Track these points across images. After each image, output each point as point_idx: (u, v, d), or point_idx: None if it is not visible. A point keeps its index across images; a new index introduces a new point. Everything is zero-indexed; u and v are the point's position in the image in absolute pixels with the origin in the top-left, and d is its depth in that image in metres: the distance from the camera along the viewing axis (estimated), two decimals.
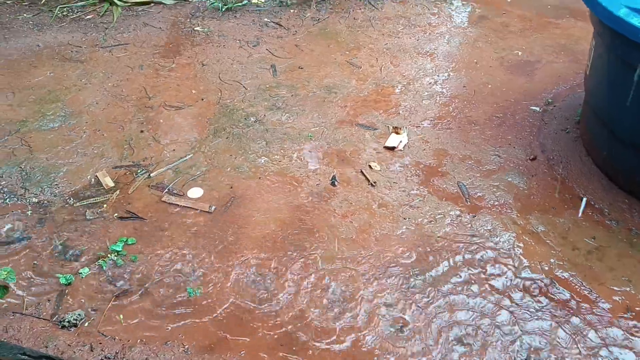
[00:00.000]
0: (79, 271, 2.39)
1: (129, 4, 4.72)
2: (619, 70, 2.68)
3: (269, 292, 2.35)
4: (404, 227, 2.67)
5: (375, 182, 2.93)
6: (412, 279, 2.41)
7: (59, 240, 2.54)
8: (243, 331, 2.19)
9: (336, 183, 2.93)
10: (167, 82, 3.72)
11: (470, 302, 2.32)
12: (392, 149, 3.17)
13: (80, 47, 4.09)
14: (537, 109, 3.54)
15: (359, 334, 2.20)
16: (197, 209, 2.73)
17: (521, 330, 2.22)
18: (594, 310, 2.30)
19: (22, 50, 4.00)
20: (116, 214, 2.69)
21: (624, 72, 2.63)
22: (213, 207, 2.74)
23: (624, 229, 2.67)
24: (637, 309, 2.31)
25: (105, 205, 2.73)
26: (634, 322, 2.25)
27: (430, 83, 3.80)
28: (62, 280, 2.32)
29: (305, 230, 2.63)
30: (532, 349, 2.15)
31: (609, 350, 2.15)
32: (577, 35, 4.44)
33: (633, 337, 2.20)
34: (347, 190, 2.88)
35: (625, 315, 2.28)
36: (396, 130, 3.30)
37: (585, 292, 2.38)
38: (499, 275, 2.44)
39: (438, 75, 3.89)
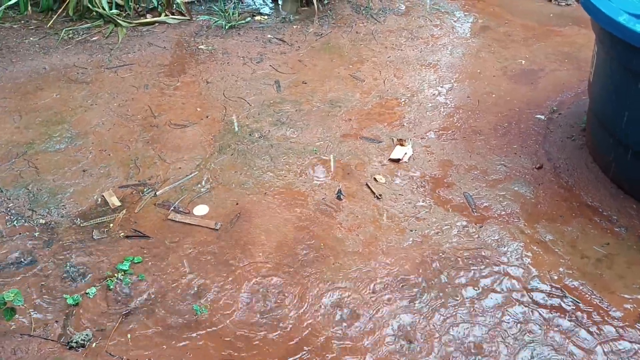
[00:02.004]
0: (86, 291, 2.39)
1: (134, 25, 4.77)
2: (621, 77, 2.67)
3: (276, 308, 2.34)
4: (411, 239, 2.66)
5: (380, 195, 2.92)
6: (420, 291, 2.40)
7: (66, 260, 2.54)
8: (251, 349, 2.18)
9: (342, 197, 2.92)
10: (172, 101, 3.75)
11: (479, 313, 2.30)
12: (397, 161, 3.17)
13: (86, 68, 4.13)
14: (542, 117, 3.53)
15: (368, 348, 2.18)
16: (203, 227, 2.73)
17: (531, 340, 2.19)
18: (605, 319, 2.27)
19: (28, 73, 4.05)
20: (123, 233, 2.70)
21: (626, 78, 2.62)
22: (219, 224, 2.74)
23: (633, 236, 2.64)
24: None
25: (111, 225, 2.74)
26: None
27: (434, 94, 3.80)
28: (70, 301, 2.33)
29: (311, 245, 2.63)
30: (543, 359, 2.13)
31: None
32: (581, 42, 4.44)
33: None
34: (352, 204, 2.87)
35: (638, 324, 2.25)
36: (401, 143, 3.30)
37: (596, 301, 2.35)
38: (507, 285, 2.42)
39: (442, 87, 3.90)
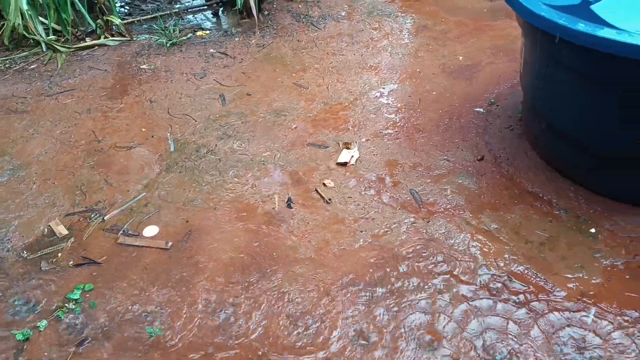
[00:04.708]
0: (37, 325, 2.35)
1: (73, 50, 4.71)
2: (545, 65, 2.78)
3: (232, 323, 2.34)
4: (361, 240, 2.70)
5: (330, 199, 2.96)
6: (372, 291, 2.44)
7: (14, 295, 2.49)
8: None
9: (292, 205, 2.95)
10: (116, 123, 3.71)
11: (432, 305, 2.35)
12: (344, 164, 3.21)
13: (25, 97, 4.05)
14: (481, 110, 3.64)
15: (326, 351, 2.20)
16: (153, 247, 2.71)
17: (483, 327, 2.25)
18: (550, 299, 2.35)
19: None
20: (72, 262, 2.66)
21: (550, 65, 2.73)
22: (170, 243, 2.73)
23: (572, 217, 2.75)
24: (591, 293, 2.37)
25: (60, 254, 2.70)
26: (589, 306, 2.31)
27: (376, 96, 3.87)
28: (19, 337, 2.28)
29: (264, 255, 2.64)
30: (494, 344, 2.19)
31: (568, 336, 2.20)
32: (514, 34, 4.59)
33: (590, 320, 2.25)
34: (303, 211, 2.90)
35: (582, 300, 2.34)
36: (347, 146, 3.35)
37: (541, 283, 2.43)
38: (457, 276, 2.48)
39: (384, 88, 3.97)
